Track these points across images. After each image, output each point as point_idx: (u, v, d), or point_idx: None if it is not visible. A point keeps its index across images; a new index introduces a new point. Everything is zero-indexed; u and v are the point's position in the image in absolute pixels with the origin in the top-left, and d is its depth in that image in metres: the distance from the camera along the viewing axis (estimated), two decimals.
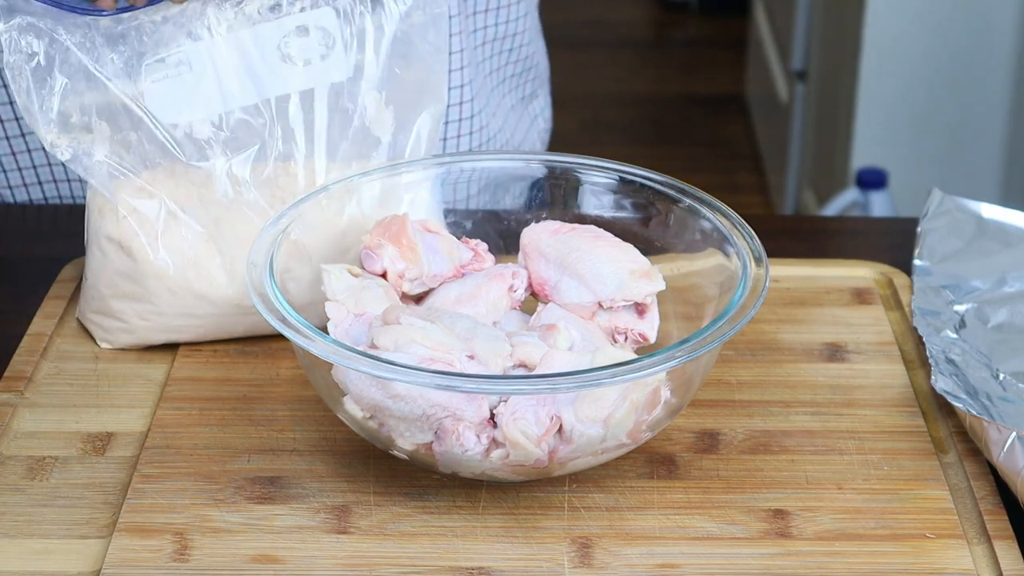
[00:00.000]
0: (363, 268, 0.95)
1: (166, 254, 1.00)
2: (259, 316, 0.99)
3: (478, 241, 0.99)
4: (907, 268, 1.11)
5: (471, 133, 1.28)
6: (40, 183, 1.23)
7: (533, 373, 0.87)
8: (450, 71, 1.23)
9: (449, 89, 1.24)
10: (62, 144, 0.99)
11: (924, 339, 1.00)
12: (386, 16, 1.02)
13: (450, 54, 1.22)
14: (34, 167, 1.22)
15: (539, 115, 1.42)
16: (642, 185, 0.99)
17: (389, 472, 0.91)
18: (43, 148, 1.20)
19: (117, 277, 1.01)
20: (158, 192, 1.00)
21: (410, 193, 1.02)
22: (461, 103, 1.26)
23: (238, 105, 1.00)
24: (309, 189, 1.01)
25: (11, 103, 1.19)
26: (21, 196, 1.24)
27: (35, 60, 0.97)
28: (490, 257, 0.98)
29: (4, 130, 1.21)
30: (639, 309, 0.94)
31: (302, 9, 1.00)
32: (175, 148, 0.99)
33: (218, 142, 1.00)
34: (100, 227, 1.00)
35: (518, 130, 1.38)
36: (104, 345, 1.03)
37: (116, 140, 0.99)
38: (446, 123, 1.26)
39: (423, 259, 0.95)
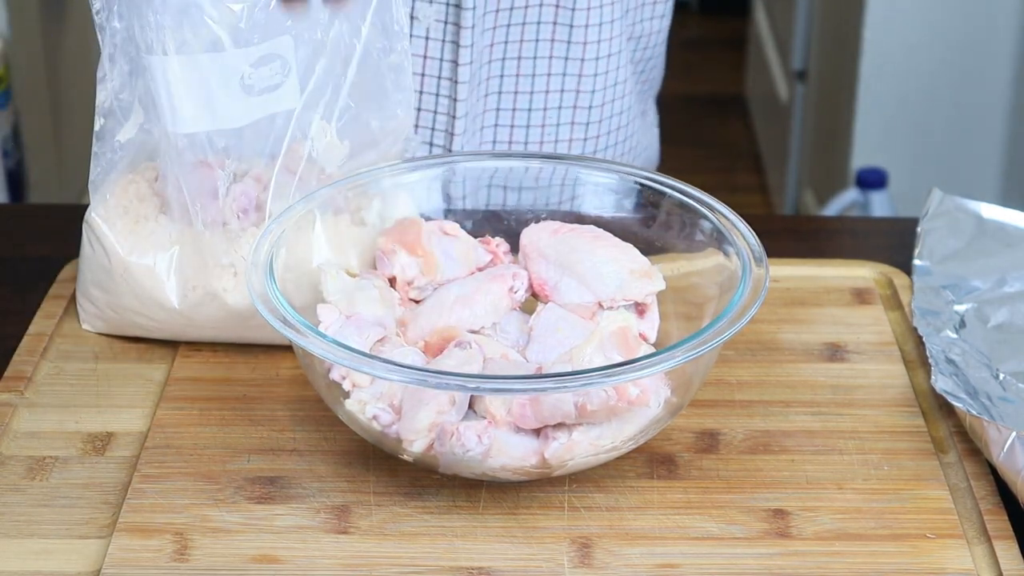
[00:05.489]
0: (375, 269, 0.95)
1: (136, 255, 0.99)
2: (214, 329, 0.99)
3: (499, 241, 0.98)
4: (907, 268, 1.11)
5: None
6: None
7: (534, 374, 0.87)
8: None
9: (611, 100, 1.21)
10: (105, 121, 0.99)
11: (924, 339, 1.00)
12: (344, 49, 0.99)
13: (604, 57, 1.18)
14: None
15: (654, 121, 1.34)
16: (642, 185, 0.99)
17: (389, 472, 0.91)
18: None
19: (94, 263, 1.00)
20: (144, 190, 0.99)
21: (410, 192, 1.01)
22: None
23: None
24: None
25: None
26: None
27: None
28: (509, 259, 0.97)
29: None
30: (639, 309, 0.94)
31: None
32: (176, 152, 0.97)
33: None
34: (91, 208, 1.00)
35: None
36: (85, 327, 1.03)
37: (143, 128, 0.98)
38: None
39: (439, 268, 0.94)
